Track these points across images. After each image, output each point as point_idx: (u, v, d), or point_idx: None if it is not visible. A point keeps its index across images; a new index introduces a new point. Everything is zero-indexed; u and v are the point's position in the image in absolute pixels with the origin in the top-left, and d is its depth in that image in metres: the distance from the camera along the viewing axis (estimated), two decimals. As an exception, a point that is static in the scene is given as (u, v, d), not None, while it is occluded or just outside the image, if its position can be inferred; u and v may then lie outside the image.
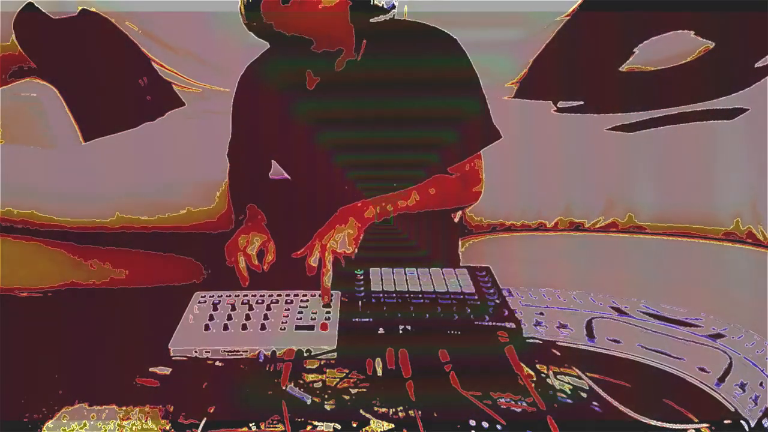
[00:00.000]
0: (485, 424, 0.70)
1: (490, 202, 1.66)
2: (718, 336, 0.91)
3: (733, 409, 0.76)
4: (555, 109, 2.14)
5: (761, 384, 0.80)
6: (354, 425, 0.71)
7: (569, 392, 0.78)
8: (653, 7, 1.98)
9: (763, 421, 0.73)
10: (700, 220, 1.65)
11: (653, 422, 0.71)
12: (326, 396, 0.77)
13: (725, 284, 1.57)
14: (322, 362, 0.84)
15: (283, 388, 0.76)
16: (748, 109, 1.79)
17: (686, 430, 0.71)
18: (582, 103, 2.12)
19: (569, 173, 1.70)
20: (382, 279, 1.01)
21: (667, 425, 0.71)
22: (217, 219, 1.68)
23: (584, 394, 0.77)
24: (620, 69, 2.07)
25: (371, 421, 0.72)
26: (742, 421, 0.73)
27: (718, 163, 1.68)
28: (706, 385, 0.80)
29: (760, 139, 1.68)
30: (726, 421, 0.73)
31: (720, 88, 1.90)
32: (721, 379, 0.81)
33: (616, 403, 0.74)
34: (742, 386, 0.80)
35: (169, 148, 1.89)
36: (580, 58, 2.13)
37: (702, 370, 0.83)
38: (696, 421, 0.73)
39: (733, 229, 1.63)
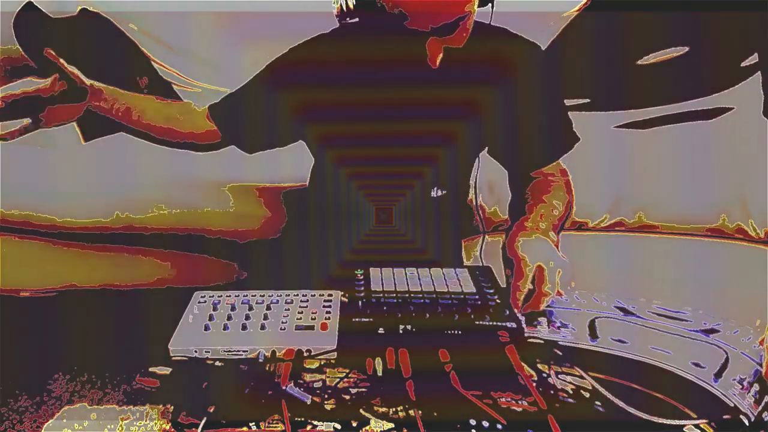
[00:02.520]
0: (485, 424, 0.70)
1: (492, 200, 1.66)
2: (712, 331, 0.91)
3: (732, 405, 0.76)
4: None
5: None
6: (354, 425, 0.71)
7: (571, 392, 0.78)
8: (656, 6, 1.98)
9: (764, 415, 0.73)
10: (700, 218, 1.66)
11: (654, 419, 0.71)
12: (326, 396, 0.77)
13: (720, 279, 1.58)
14: (322, 362, 0.84)
15: (283, 388, 0.76)
16: (732, 108, 1.81)
17: (686, 425, 0.71)
18: (586, 101, 2.12)
19: (572, 172, 1.70)
20: (382, 279, 1.01)
21: (667, 422, 0.71)
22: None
23: (586, 394, 0.77)
24: (620, 68, 2.08)
25: (371, 421, 0.72)
26: (741, 416, 0.73)
27: (711, 160, 1.69)
28: (704, 381, 0.81)
29: (750, 136, 1.70)
30: (725, 416, 0.73)
31: (709, 88, 1.92)
32: (719, 375, 0.81)
33: (617, 401, 0.74)
34: (741, 381, 0.80)
35: (169, 147, 1.88)
36: (583, 56, 2.12)
37: (697, 365, 0.83)
38: (695, 416, 0.73)
39: (720, 225, 1.64)
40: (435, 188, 1.21)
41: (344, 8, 0.95)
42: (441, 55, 0.98)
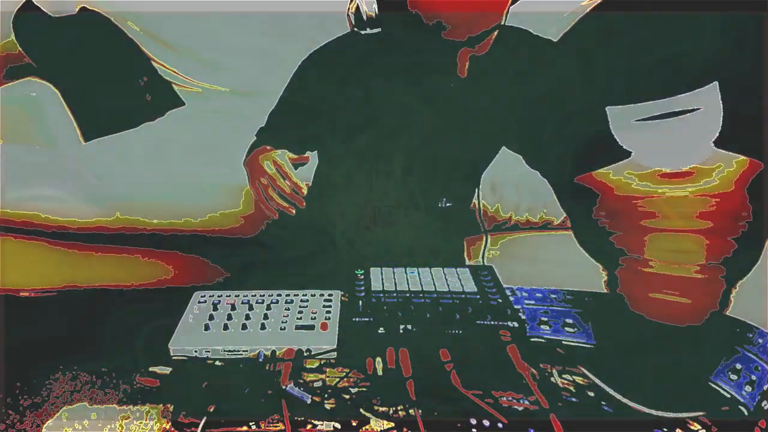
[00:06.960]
0: (486, 423, 0.69)
1: (494, 199, 1.66)
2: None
3: (729, 396, 0.76)
4: None
5: (757, 368, 0.80)
6: (354, 424, 0.71)
7: (572, 391, 0.77)
8: (659, 6, 1.98)
9: (763, 404, 0.73)
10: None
11: (653, 412, 0.71)
12: (326, 395, 0.76)
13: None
14: (322, 362, 0.84)
15: (283, 387, 0.76)
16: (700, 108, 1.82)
17: (684, 419, 0.71)
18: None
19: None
20: (382, 278, 1.01)
21: (665, 414, 0.71)
22: (227, 222, 1.68)
23: (588, 392, 0.77)
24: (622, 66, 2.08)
25: (371, 420, 0.71)
26: (740, 407, 0.73)
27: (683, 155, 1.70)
28: (701, 374, 0.80)
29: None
30: (724, 408, 0.73)
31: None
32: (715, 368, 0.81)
33: (620, 397, 0.74)
34: (737, 372, 0.80)
35: (169, 147, 1.89)
36: (588, 54, 2.12)
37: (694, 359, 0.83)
38: (692, 410, 0.73)
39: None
40: (443, 200, 1.20)
41: (365, 17, 0.93)
42: (468, 64, 0.96)
